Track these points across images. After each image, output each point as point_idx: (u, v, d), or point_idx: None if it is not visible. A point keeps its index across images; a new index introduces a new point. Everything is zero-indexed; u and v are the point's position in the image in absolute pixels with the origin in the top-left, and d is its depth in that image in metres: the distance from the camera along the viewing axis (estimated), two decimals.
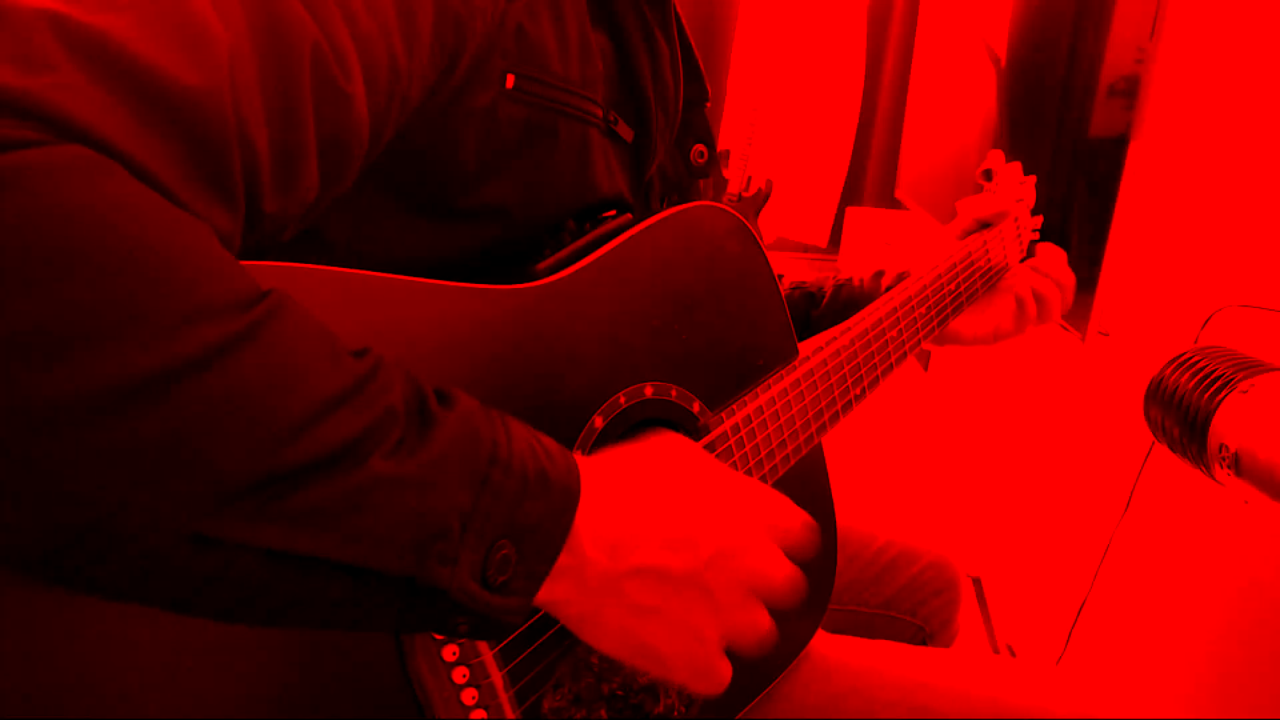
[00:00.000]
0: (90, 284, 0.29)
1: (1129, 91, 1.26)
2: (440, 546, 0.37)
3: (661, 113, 0.65)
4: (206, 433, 0.31)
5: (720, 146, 0.80)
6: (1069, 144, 1.47)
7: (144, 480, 0.30)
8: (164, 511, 0.31)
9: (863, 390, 0.73)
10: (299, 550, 0.34)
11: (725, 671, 0.48)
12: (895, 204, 3.02)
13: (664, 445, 0.50)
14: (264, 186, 0.37)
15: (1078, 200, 1.42)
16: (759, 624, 0.48)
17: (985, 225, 0.91)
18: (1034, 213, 0.99)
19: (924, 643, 0.97)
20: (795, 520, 0.51)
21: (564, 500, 0.42)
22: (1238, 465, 0.75)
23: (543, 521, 0.41)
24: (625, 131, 0.62)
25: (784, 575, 0.49)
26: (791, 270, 1.04)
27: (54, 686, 0.36)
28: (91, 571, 0.32)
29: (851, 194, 3.43)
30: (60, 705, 0.36)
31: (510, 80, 0.52)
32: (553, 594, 0.42)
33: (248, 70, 0.36)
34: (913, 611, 0.97)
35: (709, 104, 0.71)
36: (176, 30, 0.34)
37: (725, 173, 0.94)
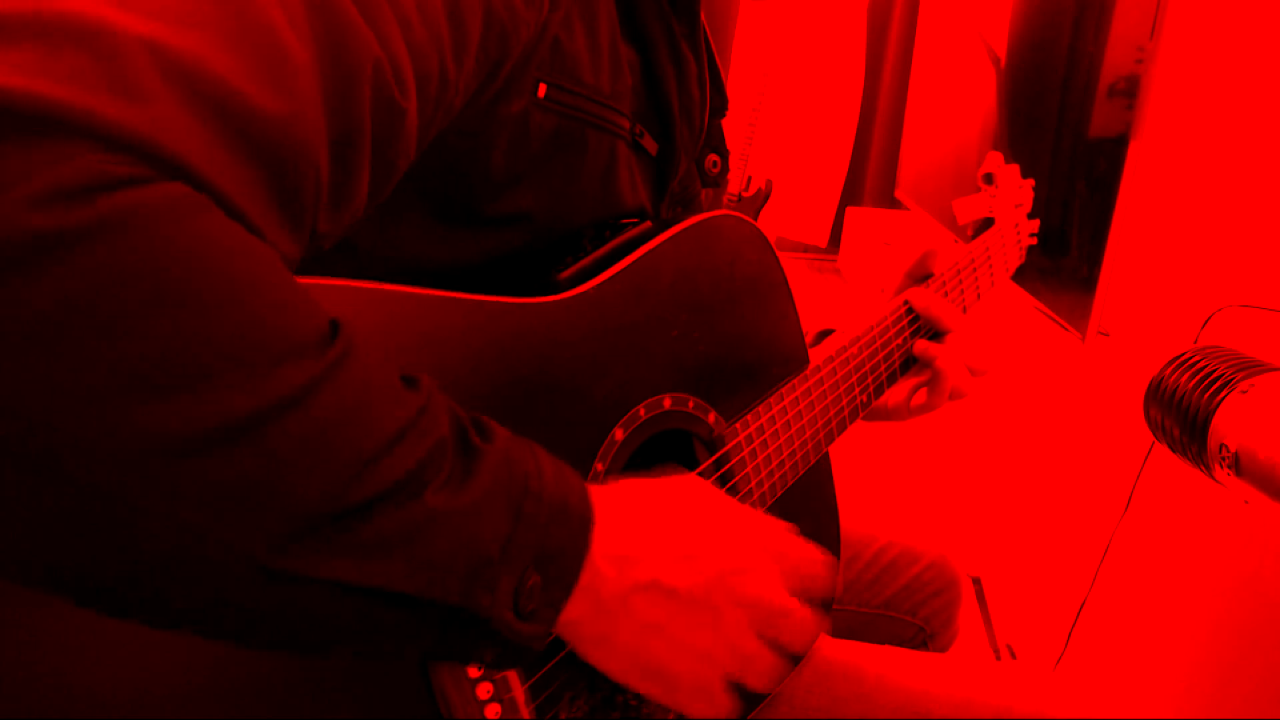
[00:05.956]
0: (190, 328, 0.30)
1: (1129, 91, 1.25)
2: (485, 575, 0.38)
3: (686, 126, 0.65)
4: (286, 470, 0.32)
5: None
6: (1069, 144, 1.47)
7: (223, 516, 0.31)
8: (239, 546, 0.31)
9: (869, 397, 0.73)
10: (366, 582, 0.34)
11: (725, 701, 0.48)
12: (895, 204, 3.02)
13: (673, 479, 0.50)
14: (323, 208, 0.38)
15: (1078, 200, 1.42)
16: (765, 654, 0.48)
17: (985, 227, 0.91)
18: (1033, 214, 0.99)
19: (924, 643, 0.97)
20: (809, 553, 0.51)
21: (581, 527, 0.43)
22: (1238, 465, 0.75)
23: (564, 548, 0.42)
24: (650, 144, 0.62)
25: (790, 604, 0.49)
26: (791, 270, 1.04)
27: (67, 680, 0.36)
28: (159, 604, 0.32)
29: (851, 194, 3.43)
30: (75, 699, 0.36)
31: (542, 89, 0.52)
32: (570, 615, 0.43)
33: (314, 90, 0.36)
34: (913, 612, 0.97)
35: (726, 113, 0.71)
36: (260, 51, 0.34)
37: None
